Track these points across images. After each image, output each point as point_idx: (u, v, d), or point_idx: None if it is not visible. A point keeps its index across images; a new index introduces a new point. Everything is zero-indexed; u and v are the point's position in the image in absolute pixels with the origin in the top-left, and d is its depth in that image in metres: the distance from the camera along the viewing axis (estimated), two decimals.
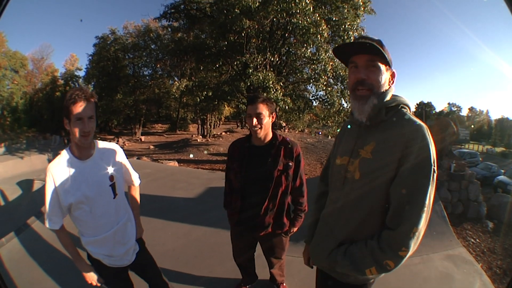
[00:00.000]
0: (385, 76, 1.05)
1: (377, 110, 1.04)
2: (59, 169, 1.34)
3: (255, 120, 1.71)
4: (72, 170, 1.35)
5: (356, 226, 1.06)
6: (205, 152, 13.59)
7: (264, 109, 1.72)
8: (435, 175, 0.95)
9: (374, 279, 1.12)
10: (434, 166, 0.95)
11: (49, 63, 25.69)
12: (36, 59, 24.62)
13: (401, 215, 0.95)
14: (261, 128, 1.73)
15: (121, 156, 1.56)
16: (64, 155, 1.38)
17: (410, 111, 1.08)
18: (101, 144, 1.49)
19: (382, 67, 1.03)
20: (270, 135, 1.82)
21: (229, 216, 1.97)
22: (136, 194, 1.75)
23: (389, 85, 1.08)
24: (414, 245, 0.95)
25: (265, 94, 10.28)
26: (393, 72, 1.09)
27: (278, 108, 12.41)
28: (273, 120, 1.80)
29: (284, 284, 2.37)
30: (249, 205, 1.84)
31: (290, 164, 1.79)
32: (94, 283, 1.50)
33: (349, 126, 1.23)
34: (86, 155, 1.40)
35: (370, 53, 1.02)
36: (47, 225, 1.38)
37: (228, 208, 1.99)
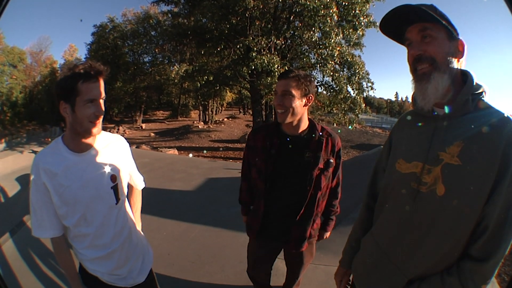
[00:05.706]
0: (449, 47, 0.80)
1: (464, 99, 0.79)
2: (47, 161, 1.03)
3: (279, 99, 1.34)
4: (63, 165, 1.04)
5: (436, 259, 0.80)
6: (205, 151, 13.19)
7: (294, 87, 1.32)
8: None
9: None
10: None
11: (48, 55, 25.54)
12: (34, 53, 24.41)
13: (496, 243, 0.74)
14: (285, 111, 1.33)
15: (127, 152, 1.25)
16: (55, 145, 1.07)
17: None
18: (103, 135, 1.15)
19: (441, 35, 0.80)
20: (305, 123, 1.43)
21: (249, 225, 1.59)
22: (137, 199, 1.40)
23: (458, 59, 0.82)
24: None
25: (269, 78, 9.87)
26: (461, 41, 0.82)
27: None
28: (309, 104, 1.39)
29: None
30: (277, 212, 1.46)
31: (331, 161, 1.43)
32: None
33: (408, 117, 0.94)
34: (83, 148, 1.07)
35: (418, 21, 0.80)
36: (34, 233, 1.06)
37: (244, 206, 1.65)
